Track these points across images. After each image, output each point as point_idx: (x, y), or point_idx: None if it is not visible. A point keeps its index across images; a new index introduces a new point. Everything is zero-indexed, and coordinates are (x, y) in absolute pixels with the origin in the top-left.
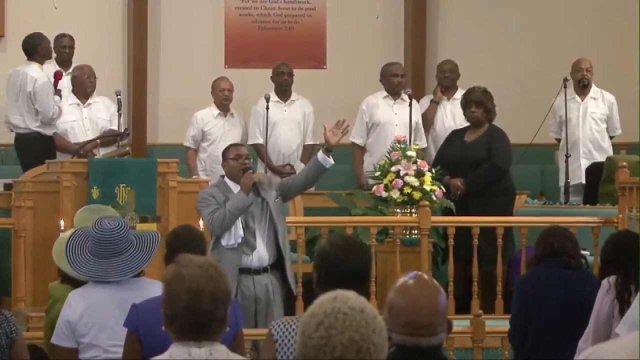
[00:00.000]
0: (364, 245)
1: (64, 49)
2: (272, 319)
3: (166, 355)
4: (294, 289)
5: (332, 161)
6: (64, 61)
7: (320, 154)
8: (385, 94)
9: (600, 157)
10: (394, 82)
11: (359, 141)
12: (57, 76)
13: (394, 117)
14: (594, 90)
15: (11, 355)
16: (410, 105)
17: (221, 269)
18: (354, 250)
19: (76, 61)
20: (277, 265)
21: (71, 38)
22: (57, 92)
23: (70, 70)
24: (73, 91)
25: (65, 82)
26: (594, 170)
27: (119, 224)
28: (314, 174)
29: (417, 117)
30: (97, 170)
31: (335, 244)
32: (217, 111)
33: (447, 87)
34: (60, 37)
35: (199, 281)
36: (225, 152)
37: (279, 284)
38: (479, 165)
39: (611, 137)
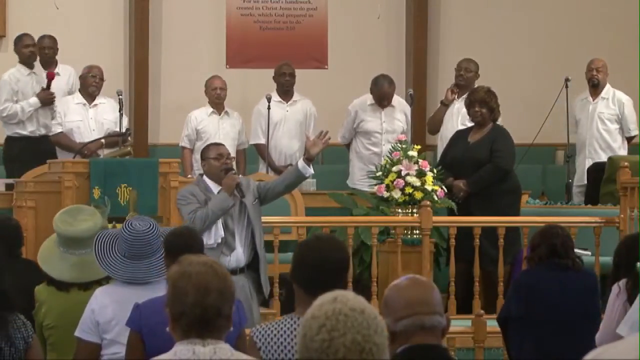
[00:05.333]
0: (342, 245)
1: (43, 50)
2: (253, 320)
3: (171, 354)
4: (266, 291)
5: (312, 170)
6: (46, 62)
7: (300, 163)
8: (373, 101)
9: (607, 157)
10: (378, 102)
11: (343, 142)
12: (49, 77)
13: (382, 125)
14: (607, 90)
15: (27, 358)
16: (411, 105)
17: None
18: (328, 245)
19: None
20: (252, 266)
21: (52, 39)
22: (45, 93)
23: (56, 71)
24: (80, 91)
25: (55, 84)
26: (596, 170)
27: (150, 225)
28: (294, 182)
29: (405, 123)
30: (99, 170)
31: (312, 237)
32: (210, 110)
33: (460, 86)
34: (40, 39)
35: (205, 277)
36: (204, 152)
37: (254, 286)
38: (482, 166)
39: (629, 139)
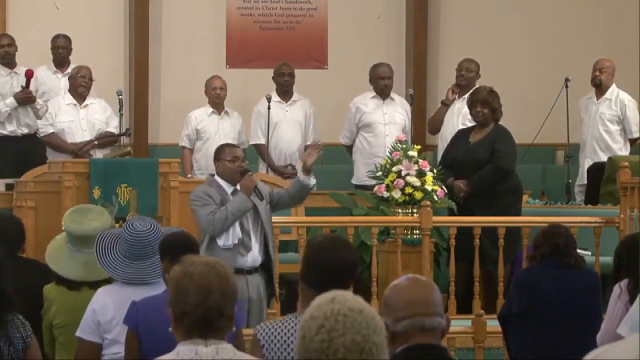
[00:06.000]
0: (352, 246)
1: (56, 50)
2: (263, 319)
3: (173, 355)
4: (277, 290)
5: (313, 181)
6: (60, 62)
7: (300, 175)
8: (374, 94)
9: (606, 158)
10: (379, 85)
11: (346, 142)
12: (27, 75)
13: (384, 116)
14: (611, 91)
15: (26, 358)
16: (411, 105)
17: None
18: (341, 245)
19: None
20: (263, 266)
21: (66, 38)
22: (22, 92)
23: (68, 70)
24: (70, 91)
25: (63, 83)
26: (596, 170)
27: (150, 226)
28: (299, 192)
29: (407, 118)
30: (99, 170)
31: (324, 237)
32: (210, 109)
33: (461, 86)
34: (54, 38)
35: (207, 277)
36: (219, 152)
37: (265, 285)
38: (483, 166)
39: (632, 141)
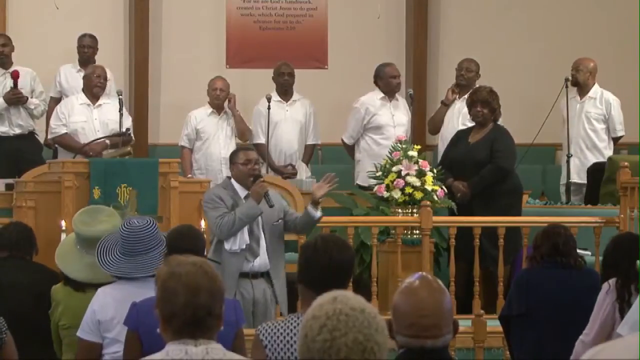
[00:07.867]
0: (348, 245)
1: (82, 49)
2: None
3: (163, 354)
4: (282, 306)
5: (319, 214)
6: (85, 61)
7: (308, 207)
8: (382, 95)
9: (593, 157)
10: (392, 84)
11: (350, 142)
12: (14, 76)
13: (392, 119)
14: (595, 90)
15: (2, 356)
16: (411, 105)
17: (213, 266)
18: (335, 246)
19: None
20: (270, 272)
21: (92, 38)
22: (11, 92)
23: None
24: (83, 91)
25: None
26: (596, 171)
27: (147, 222)
28: (305, 222)
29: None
30: (99, 170)
31: (318, 238)
32: (209, 109)
33: (461, 86)
34: (81, 37)
35: (195, 277)
36: (233, 156)
37: (273, 291)
38: (483, 166)
39: (616, 139)
